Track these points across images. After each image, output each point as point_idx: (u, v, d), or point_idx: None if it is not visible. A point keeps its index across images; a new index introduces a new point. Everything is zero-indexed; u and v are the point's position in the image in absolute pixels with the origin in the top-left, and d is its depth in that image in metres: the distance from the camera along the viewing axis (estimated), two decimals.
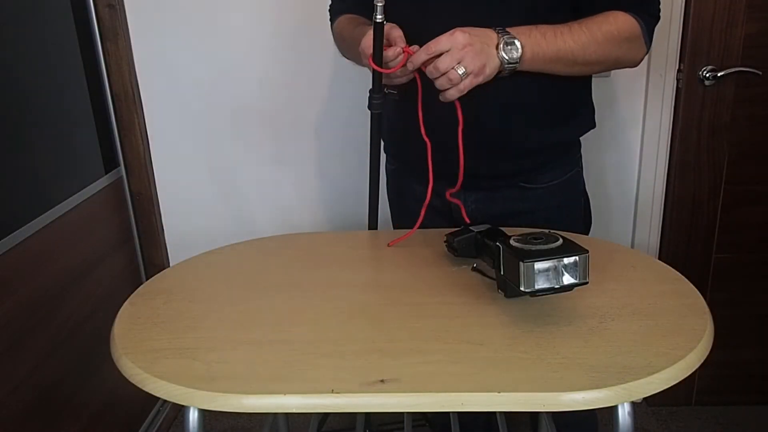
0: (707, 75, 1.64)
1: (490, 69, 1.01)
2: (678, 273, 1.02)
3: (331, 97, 1.72)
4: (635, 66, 1.16)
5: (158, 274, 1.11)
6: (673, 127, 1.72)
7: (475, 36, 0.99)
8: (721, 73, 1.63)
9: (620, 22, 1.08)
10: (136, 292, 1.03)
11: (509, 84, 1.07)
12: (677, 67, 1.67)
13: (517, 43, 1.01)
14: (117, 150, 1.76)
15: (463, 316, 0.91)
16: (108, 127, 1.73)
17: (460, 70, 0.98)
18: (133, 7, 1.69)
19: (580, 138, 1.28)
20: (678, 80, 1.68)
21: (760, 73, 1.63)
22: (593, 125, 1.28)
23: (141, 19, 1.70)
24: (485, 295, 0.97)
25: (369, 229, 1.29)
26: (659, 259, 1.56)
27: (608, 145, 1.76)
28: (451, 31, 0.99)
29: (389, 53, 1.04)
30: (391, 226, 1.41)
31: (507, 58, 1.01)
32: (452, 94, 1.00)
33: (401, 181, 1.36)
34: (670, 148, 1.74)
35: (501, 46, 1.01)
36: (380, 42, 1.02)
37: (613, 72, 1.68)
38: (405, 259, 1.12)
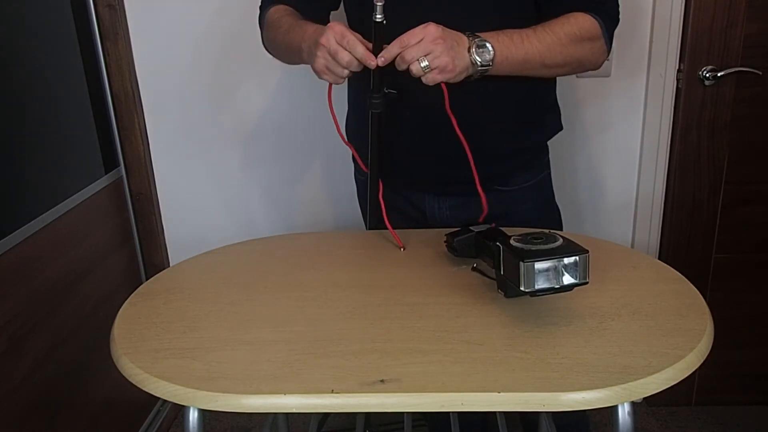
0: (707, 75, 1.64)
1: (459, 68, 0.99)
2: (678, 273, 1.02)
3: (333, 97, 1.72)
4: (597, 68, 1.17)
5: (158, 274, 1.11)
6: (673, 127, 1.72)
7: (447, 32, 0.98)
8: (721, 73, 1.63)
9: (581, 23, 1.09)
10: (136, 292, 1.03)
11: (480, 90, 1.08)
12: (677, 67, 1.67)
13: (489, 46, 1.01)
14: (117, 150, 1.76)
15: (463, 316, 0.91)
16: (108, 127, 1.72)
17: (423, 63, 0.96)
18: (133, 7, 1.69)
19: (548, 142, 1.30)
20: (678, 80, 1.68)
21: (760, 73, 1.63)
22: (560, 127, 1.30)
23: (141, 19, 1.70)
24: (485, 295, 0.97)
25: (368, 228, 1.29)
26: (659, 259, 1.56)
27: (608, 144, 1.76)
28: (424, 24, 0.97)
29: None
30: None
31: (480, 60, 1.01)
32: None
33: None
34: (670, 148, 1.74)
35: (473, 49, 1.00)
36: (381, 42, 1.02)
37: (612, 72, 1.68)
38: (405, 259, 1.12)
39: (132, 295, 1.02)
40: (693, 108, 1.68)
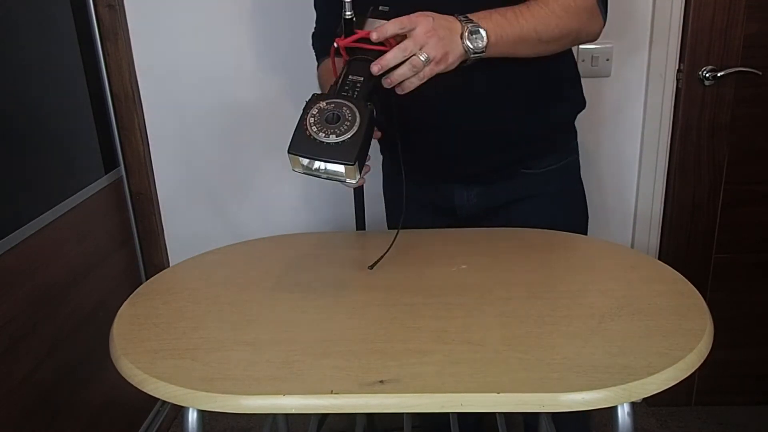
0: (707, 75, 1.64)
1: (453, 57, 0.97)
2: (678, 273, 1.02)
3: None
4: (595, 39, 1.14)
5: (158, 274, 1.11)
6: (673, 127, 1.72)
7: (438, 22, 0.96)
8: (721, 73, 1.63)
9: None
10: (136, 292, 1.03)
11: (493, 69, 1.05)
12: (677, 67, 1.67)
13: (482, 31, 0.98)
14: (117, 150, 1.76)
15: (463, 316, 0.91)
16: (108, 127, 1.72)
17: (422, 56, 0.94)
18: (133, 7, 1.69)
19: (575, 126, 1.29)
20: (678, 80, 1.68)
21: (760, 73, 1.63)
22: (583, 102, 1.28)
23: (141, 19, 1.70)
24: (485, 295, 0.97)
25: (357, 230, 1.30)
26: (659, 259, 1.56)
27: (608, 144, 1.76)
28: (416, 14, 0.95)
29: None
30: (383, 225, 1.42)
31: (472, 47, 0.98)
32: (413, 82, 0.95)
33: (400, 183, 1.35)
34: (670, 148, 1.74)
35: (465, 35, 0.97)
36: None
37: (612, 71, 1.68)
38: (405, 259, 1.12)
39: (132, 295, 1.02)
40: (693, 108, 1.68)
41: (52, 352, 1.45)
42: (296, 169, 0.94)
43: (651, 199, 1.79)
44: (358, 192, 1.27)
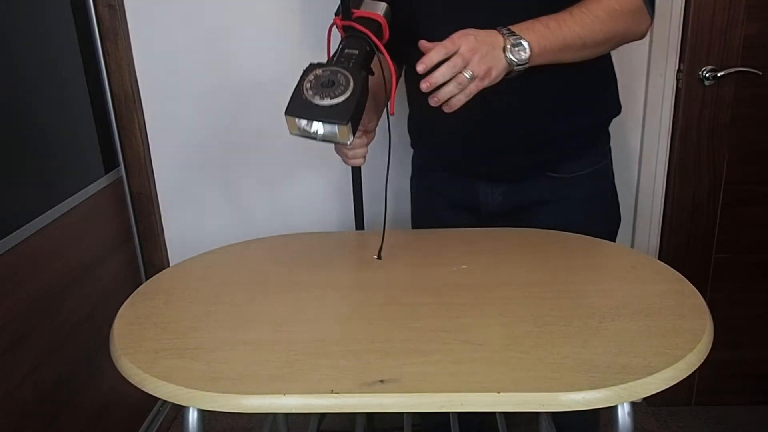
0: (707, 75, 1.64)
1: (497, 72, 0.99)
2: (678, 273, 1.02)
3: None
4: (641, 38, 1.13)
5: (158, 274, 1.11)
6: (673, 127, 1.72)
7: (480, 39, 0.98)
8: (721, 73, 1.63)
9: None
10: (136, 292, 1.03)
11: (528, 75, 1.05)
12: (677, 67, 1.67)
13: (524, 43, 0.99)
14: (117, 150, 1.76)
15: (463, 316, 0.91)
16: (108, 127, 1.73)
17: (467, 73, 0.96)
18: (133, 7, 1.69)
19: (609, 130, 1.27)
20: (678, 80, 1.68)
21: (760, 73, 1.63)
22: (619, 107, 1.26)
23: (141, 19, 1.70)
24: (485, 295, 0.97)
25: (356, 229, 1.30)
26: (659, 259, 1.56)
27: None
28: (458, 34, 0.97)
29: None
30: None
31: (516, 60, 0.99)
32: (460, 99, 0.98)
33: (428, 178, 1.37)
34: (670, 148, 1.74)
35: (508, 47, 0.99)
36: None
37: None
38: (405, 259, 1.12)
39: (132, 295, 1.02)
40: (693, 108, 1.68)
41: (52, 352, 1.45)
42: (293, 132, 0.98)
43: (651, 198, 1.79)
44: (357, 191, 1.28)
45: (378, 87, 1.15)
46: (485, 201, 1.27)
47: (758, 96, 1.66)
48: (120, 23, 1.67)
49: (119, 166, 1.77)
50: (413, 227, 1.43)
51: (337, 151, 1.17)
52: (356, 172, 1.27)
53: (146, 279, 1.33)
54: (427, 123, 1.26)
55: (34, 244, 1.39)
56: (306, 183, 1.82)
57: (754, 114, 1.68)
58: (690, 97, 1.67)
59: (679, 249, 1.81)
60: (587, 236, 1.18)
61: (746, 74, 1.63)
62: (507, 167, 1.22)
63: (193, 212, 1.87)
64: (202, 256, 1.17)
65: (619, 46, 1.14)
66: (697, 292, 0.95)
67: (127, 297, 1.01)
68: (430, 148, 1.33)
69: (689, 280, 0.99)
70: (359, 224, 1.31)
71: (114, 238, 1.76)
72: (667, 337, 0.83)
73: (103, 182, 1.69)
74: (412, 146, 1.38)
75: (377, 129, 1.20)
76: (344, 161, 1.18)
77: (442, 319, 0.90)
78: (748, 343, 1.88)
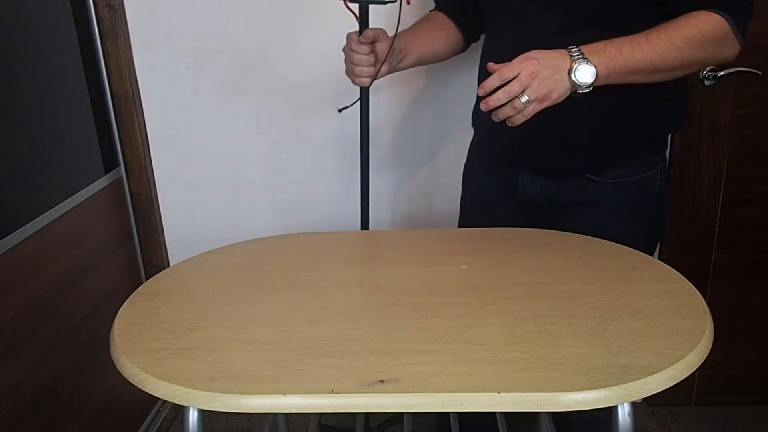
0: (707, 75, 1.64)
1: (558, 94, 1.00)
2: (678, 273, 1.02)
3: (332, 98, 1.72)
4: (729, 61, 1.10)
5: (158, 274, 1.11)
6: None
7: (544, 62, 0.99)
8: (721, 73, 1.63)
9: (703, 24, 1.03)
10: (136, 292, 1.03)
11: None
12: None
13: (591, 67, 0.99)
14: (117, 150, 1.76)
15: (463, 316, 0.91)
16: (108, 127, 1.72)
17: (523, 99, 0.98)
18: (133, 7, 1.68)
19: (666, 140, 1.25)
20: None
21: (760, 73, 1.63)
22: (679, 127, 1.24)
23: (141, 19, 1.70)
24: (485, 295, 0.97)
25: (361, 229, 1.30)
26: (659, 259, 1.56)
27: None
28: (521, 58, 0.99)
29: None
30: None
31: (580, 83, 1.00)
32: (518, 119, 1.01)
33: (479, 156, 1.39)
34: (670, 148, 1.74)
35: (574, 69, 0.99)
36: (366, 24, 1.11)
37: None
38: (405, 259, 1.12)
39: (132, 295, 1.02)
40: (693, 108, 1.68)
41: (52, 352, 1.45)
42: None
43: None
44: (365, 191, 1.27)
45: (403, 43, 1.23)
46: (522, 188, 1.27)
47: (758, 96, 1.66)
48: (120, 23, 1.67)
49: (119, 166, 1.77)
50: (461, 200, 1.45)
51: (347, 67, 1.20)
52: (364, 171, 1.26)
53: (146, 279, 1.33)
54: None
55: (34, 244, 1.39)
56: (306, 183, 1.82)
57: (754, 114, 1.68)
58: (690, 97, 1.67)
59: (679, 249, 1.81)
60: (587, 236, 1.17)
61: (746, 74, 1.63)
62: (552, 165, 1.22)
63: (193, 212, 1.87)
64: (202, 256, 1.17)
65: (699, 71, 1.13)
66: (697, 292, 0.95)
67: (127, 297, 1.01)
68: (486, 131, 1.33)
69: (689, 280, 0.99)
70: (365, 224, 1.31)
71: (114, 238, 1.76)
72: (667, 337, 0.84)
73: (103, 182, 1.69)
74: (473, 125, 1.38)
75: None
76: (351, 79, 1.20)
77: (442, 319, 0.90)
78: (748, 343, 1.88)
